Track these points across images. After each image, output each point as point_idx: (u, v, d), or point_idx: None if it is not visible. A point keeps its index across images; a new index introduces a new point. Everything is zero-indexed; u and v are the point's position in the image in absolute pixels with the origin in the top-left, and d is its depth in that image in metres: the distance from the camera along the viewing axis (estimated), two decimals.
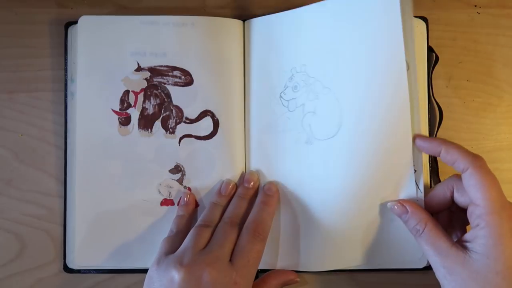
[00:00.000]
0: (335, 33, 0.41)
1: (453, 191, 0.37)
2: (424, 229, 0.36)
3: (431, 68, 0.44)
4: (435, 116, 0.44)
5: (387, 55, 0.39)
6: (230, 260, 0.37)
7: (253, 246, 0.37)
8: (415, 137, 0.39)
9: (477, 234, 0.34)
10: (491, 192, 0.34)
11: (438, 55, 0.44)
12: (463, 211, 0.37)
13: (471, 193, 0.35)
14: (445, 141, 0.37)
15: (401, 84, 0.38)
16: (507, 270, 0.32)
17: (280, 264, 0.42)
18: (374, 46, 0.39)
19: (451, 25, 0.46)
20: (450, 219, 0.40)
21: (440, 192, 0.38)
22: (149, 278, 0.37)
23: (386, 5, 0.38)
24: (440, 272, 0.35)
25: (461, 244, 0.35)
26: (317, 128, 0.41)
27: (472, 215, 0.35)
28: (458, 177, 0.37)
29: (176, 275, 0.35)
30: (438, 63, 0.45)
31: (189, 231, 0.40)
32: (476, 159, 0.35)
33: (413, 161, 0.39)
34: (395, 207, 0.39)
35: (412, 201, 0.39)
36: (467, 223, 0.36)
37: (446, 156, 0.36)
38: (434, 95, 0.44)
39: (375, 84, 0.39)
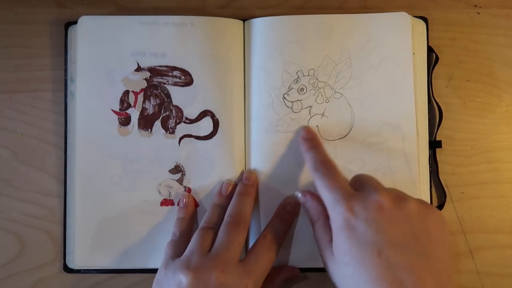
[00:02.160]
0: (346, 45, 0.43)
1: None
2: (317, 221, 0.37)
3: (431, 68, 0.44)
4: (435, 116, 0.44)
5: (396, 65, 0.43)
6: (241, 261, 0.37)
7: (267, 253, 0.38)
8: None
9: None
10: (322, 192, 0.36)
11: (438, 55, 0.44)
12: None
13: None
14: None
15: (408, 90, 0.43)
16: (353, 260, 0.32)
17: (286, 260, 0.43)
18: (385, 57, 0.43)
19: (451, 25, 0.46)
20: None
21: None
22: (157, 282, 0.37)
23: (399, 23, 0.43)
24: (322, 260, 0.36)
25: None
26: (326, 129, 0.43)
27: None
28: None
29: (183, 279, 0.35)
30: (438, 63, 0.45)
31: (191, 232, 0.40)
32: (312, 172, 0.37)
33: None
34: (301, 195, 0.39)
35: (315, 194, 0.39)
36: None
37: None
38: (434, 95, 0.44)
39: (384, 90, 0.43)
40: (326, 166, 0.37)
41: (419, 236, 0.32)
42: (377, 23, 0.43)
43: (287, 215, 0.41)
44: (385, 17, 0.43)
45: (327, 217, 0.36)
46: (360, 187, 0.36)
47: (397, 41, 0.43)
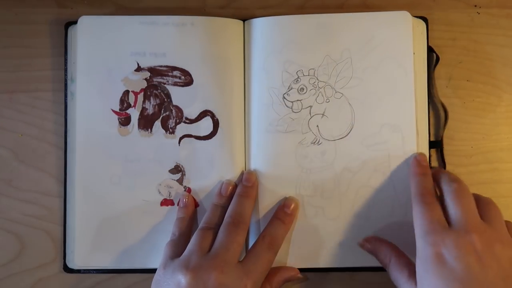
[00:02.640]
0: (347, 45, 0.43)
1: None
2: (390, 262, 0.38)
3: (432, 68, 0.44)
4: (440, 116, 0.44)
5: (396, 65, 0.42)
6: (240, 262, 0.37)
7: (266, 254, 0.38)
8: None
9: (416, 263, 0.35)
10: (417, 219, 0.36)
11: (438, 55, 0.44)
12: None
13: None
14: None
15: (408, 90, 0.42)
16: None
17: (288, 262, 0.43)
18: (386, 57, 0.42)
19: (451, 25, 0.46)
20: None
21: None
22: (156, 282, 0.37)
23: (399, 22, 0.43)
24: None
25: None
26: (326, 129, 0.43)
27: None
28: None
29: (182, 279, 0.35)
30: (438, 63, 0.44)
31: (191, 233, 0.40)
32: (415, 196, 0.38)
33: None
34: (364, 245, 0.41)
35: (378, 237, 0.41)
36: None
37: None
38: (434, 95, 0.44)
39: (384, 90, 0.42)
40: (430, 195, 0.37)
41: (509, 280, 0.32)
42: (378, 22, 0.43)
43: (286, 217, 0.41)
44: (386, 16, 0.43)
45: (398, 255, 0.38)
46: (481, 213, 0.36)
47: (398, 40, 0.43)
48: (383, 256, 0.39)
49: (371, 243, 0.40)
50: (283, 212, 0.41)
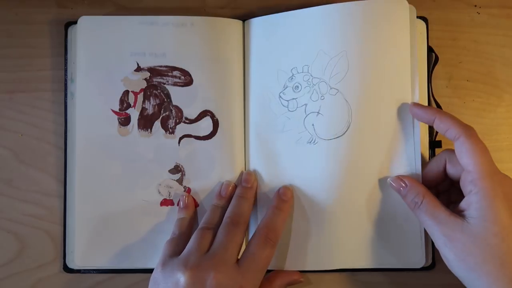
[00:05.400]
0: (342, 36, 0.41)
1: (446, 164, 0.39)
2: (422, 201, 0.37)
3: (431, 68, 0.44)
4: None
5: (394, 56, 0.41)
6: (237, 262, 0.37)
7: (263, 251, 0.38)
8: (411, 104, 0.40)
9: (472, 200, 0.35)
10: (482, 158, 0.35)
11: (438, 55, 0.44)
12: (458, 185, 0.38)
13: (463, 160, 0.36)
14: (439, 111, 0.39)
15: (405, 84, 0.41)
16: (504, 231, 0.33)
17: (286, 264, 0.42)
18: (382, 48, 0.41)
19: (451, 25, 0.46)
20: (449, 196, 0.41)
21: (434, 166, 0.40)
22: (153, 280, 0.37)
23: (395, 10, 0.41)
24: (440, 240, 0.35)
25: (458, 213, 0.36)
26: (322, 128, 0.42)
27: (465, 182, 0.36)
28: (450, 151, 0.39)
29: (181, 278, 0.35)
30: (438, 63, 0.44)
31: (191, 232, 0.40)
32: (468, 128, 0.36)
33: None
34: (393, 182, 0.40)
35: (410, 176, 0.40)
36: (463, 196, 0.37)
37: (440, 124, 0.38)
38: (434, 95, 0.44)
39: (381, 85, 0.41)
40: None
41: None
42: (374, 11, 0.41)
43: (283, 204, 0.41)
44: (382, 3, 0.41)
45: (431, 195, 0.37)
46: None
47: (395, 29, 0.41)
48: (414, 194, 0.38)
49: (400, 181, 0.39)
50: (280, 199, 0.41)
